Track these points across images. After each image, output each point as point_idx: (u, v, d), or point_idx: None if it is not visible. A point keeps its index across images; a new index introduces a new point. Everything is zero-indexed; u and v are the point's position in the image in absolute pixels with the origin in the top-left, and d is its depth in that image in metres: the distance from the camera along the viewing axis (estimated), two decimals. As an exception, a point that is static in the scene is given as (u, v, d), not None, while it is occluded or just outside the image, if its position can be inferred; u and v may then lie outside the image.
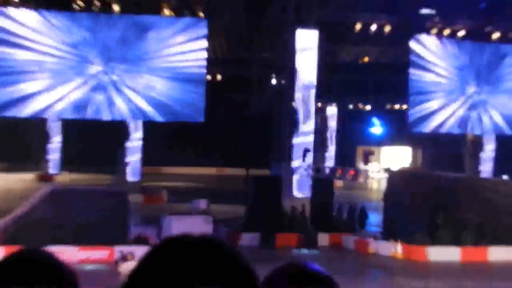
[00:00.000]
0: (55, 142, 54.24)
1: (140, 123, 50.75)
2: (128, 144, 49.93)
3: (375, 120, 73.05)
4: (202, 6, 54.81)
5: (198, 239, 1.59)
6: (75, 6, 53.84)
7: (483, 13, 55.46)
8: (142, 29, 50.29)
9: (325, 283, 2.01)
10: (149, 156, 51.35)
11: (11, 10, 50.43)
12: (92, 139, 52.81)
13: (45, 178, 49.78)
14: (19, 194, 36.45)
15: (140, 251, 26.82)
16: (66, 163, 52.92)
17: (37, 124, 52.78)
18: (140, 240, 29.16)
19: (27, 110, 47.75)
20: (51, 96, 47.99)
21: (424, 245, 30.61)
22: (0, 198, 39.82)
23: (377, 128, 73.06)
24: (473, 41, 55.78)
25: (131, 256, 21.62)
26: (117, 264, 21.21)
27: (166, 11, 55.21)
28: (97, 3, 54.47)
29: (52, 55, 49.03)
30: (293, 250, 31.14)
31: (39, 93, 47.60)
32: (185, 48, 50.28)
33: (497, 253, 30.40)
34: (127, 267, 19.87)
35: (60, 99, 48.28)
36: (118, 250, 27.72)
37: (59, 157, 53.54)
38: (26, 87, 47.39)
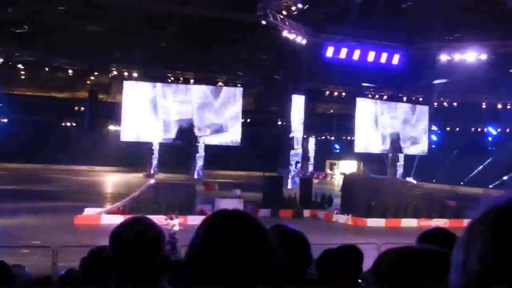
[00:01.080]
0: (155, 154, 53.46)
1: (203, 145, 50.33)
2: (196, 156, 49.61)
3: (336, 146, 72.90)
4: (240, 81, 54.45)
5: (234, 212, 1.46)
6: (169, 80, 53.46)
7: (398, 85, 55.23)
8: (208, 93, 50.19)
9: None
10: (208, 164, 50.85)
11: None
12: (175, 153, 51.98)
13: (149, 175, 49.12)
14: (134, 185, 35.73)
15: (202, 219, 26.39)
16: (162, 167, 52.24)
17: (144, 143, 52.12)
18: (201, 212, 28.63)
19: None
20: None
21: (365, 217, 29.94)
22: (123, 187, 39.51)
23: (337, 150, 72.86)
24: (391, 101, 55.43)
25: (175, 216, 21.00)
26: (168, 219, 20.78)
27: (220, 83, 54.79)
28: (181, 78, 54.16)
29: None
30: (289, 219, 30.22)
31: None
32: (229, 105, 50.11)
33: (406, 223, 29.65)
34: (173, 223, 20.20)
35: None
36: (189, 217, 27.14)
37: (157, 163, 52.81)
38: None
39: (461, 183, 54.00)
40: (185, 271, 1.40)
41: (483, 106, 60.31)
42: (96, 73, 59.32)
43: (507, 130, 61.71)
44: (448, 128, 65.70)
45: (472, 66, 46.59)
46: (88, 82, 62.86)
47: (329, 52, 46.19)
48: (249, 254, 1.35)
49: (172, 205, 28.13)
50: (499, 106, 59.35)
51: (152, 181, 33.99)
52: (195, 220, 26.59)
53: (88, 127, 64.37)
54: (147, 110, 48.73)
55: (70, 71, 55.92)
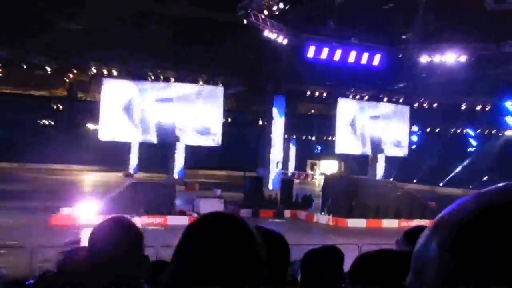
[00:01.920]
0: (135, 153, 53.11)
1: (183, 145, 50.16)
2: (176, 156, 49.32)
3: (316, 145, 73.18)
4: (221, 80, 54.27)
5: (221, 214, 1.44)
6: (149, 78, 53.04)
7: (379, 85, 55.64)
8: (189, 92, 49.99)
9: None
10: (188, 163, 50.68)
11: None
12: (155, 152, 51.71)
13: (129, 175, 48.85)
14: (113, 184, 35.43)
15: (181, 219, 26.36)
16: (142, 166, 51.93)
17: (123, 142, 51.72)
18: (181, 213, 28.56)
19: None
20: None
21: (345, 217, 30.08)
22: (102, 186, 39.19)
23: (317, 150, 73.11)
24: (371, 102, 55.78)
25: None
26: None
27: (201, 82, 54.56)
28: (161, 77, 53.82)
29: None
30: (269, 219, 30.24)
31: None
32: (211, 104, 49.92)
33: (387, 223, 29.85)
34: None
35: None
36: (169, 218, 27.06)
37: (136, 162, 52.49)
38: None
39: (441, 184, 54.56)
40: (171, 273, 1.36)
41: (463, 108, 61.01)
42: (75, 71, 58.71)
43: (486, 131, 62.51)
44: (428, 129, 66.34)
45: (451, 68, 47.09)
46: (66, 80, 62.23)
47: (310, 52, 46.29)
48: (238, 259, 1.33)
49: (151, 205, 28.02)
50: (478, 107, 60.06)
51: (131, 180, 33.78)
52: (174, 220, 26.52)
53: (66, 126, 63.80)
54: (126, 109, 48.31)
55: (48, 69, 55.23)
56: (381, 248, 2.37)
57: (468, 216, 0.76)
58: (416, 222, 28.18)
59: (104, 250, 2.18)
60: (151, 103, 48.69)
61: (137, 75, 51.70)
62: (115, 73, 54.19)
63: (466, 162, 58.16)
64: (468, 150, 62.85)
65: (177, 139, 49.04)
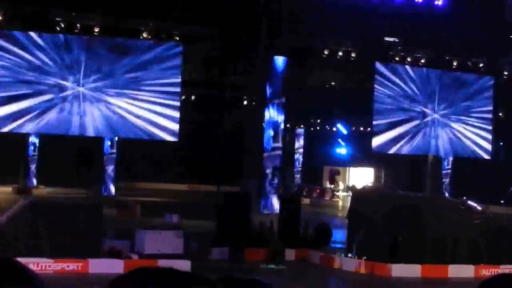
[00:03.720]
0: (34, 154, 53.41)
1: (114, 141, 50.24)
2: (104, 159, 49.52)
3: (341, 141, 73.28)
4: (178, 31, 54.38)
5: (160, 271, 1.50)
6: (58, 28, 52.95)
7: (443, 43, 55.92)
8: (121, 51, 49.86)
9: None
10: (123, 171, 50.90)
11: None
12: (67, 155, 52.03)
13: (23, 190, 48.99)
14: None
15: (113, 263, 26.59)
16: (45, 176, 52.13)
17: (15, 139, 51.89)
18: (113, 253, 28.73)
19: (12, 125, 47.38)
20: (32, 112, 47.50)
21: (388, 262, 30.38)
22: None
23: (342, 149, 73.16)
24: (433, 69, 56.01)
25: None
26: None
27: (145, 35, 54.61)
28: (79, 26, 53.78)
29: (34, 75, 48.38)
30: (261, 264, 30.58)
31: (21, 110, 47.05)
32: (161, 72, 49.95)
33: (457, 271, 30.24)
34: None
35: (39, 116, 47.72)
36: (92, 262, 27.30)
37: (36, 170, 52.75)
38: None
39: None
40: None
41: None
42: None
43: None
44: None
45: None
46: None
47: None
48: None
49: (62, 240, 28.19)
50: None
51: (27, 199, 33.89)
52: (101, 266, 26.73)
53: None
54: (22, 82, 48.29)
55: None
56: None
57: None
58: (503, 270, 28.59)
59: None
60: (62, 71, 48.66)
61: (39, 23, 51.73)
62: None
63: None
64: None
65: (104, 132, 49.05)
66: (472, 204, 40.14)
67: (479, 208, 38.78)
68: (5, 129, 48.19)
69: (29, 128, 49.06)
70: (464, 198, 46.76)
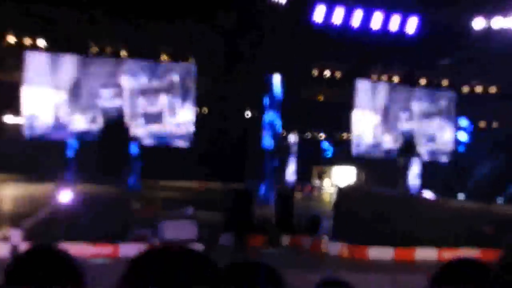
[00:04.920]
0: (72, 156, 53.56)
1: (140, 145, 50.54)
2: (132, 160, 49.74)
3: (326, 145, 73.62)
4: (192, 54, 54.59)
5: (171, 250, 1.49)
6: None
7: (412, 64, 56.17)
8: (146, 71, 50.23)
9: None
10: (148, 171, 51.09)
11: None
12: (99, 155, 52.09)
13: (63, 187, 49.22)
14: (41, 200, 35.79)
15: (139, 248, 26.82)
16: (82, 174, 52.32)
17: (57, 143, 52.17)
18: (139, 239, 28.94)
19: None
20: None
21: (366, 245, 30.62)
22: (25, 203, 39.39)
23: (328, 152, 73.46)
24: (404, 85, 56.25)
25: None
26: None
27: (164, 57, 54.90)
28: (109, 49, 54.10)
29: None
30: (261, 249, 30.81)
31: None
32: (179, 87, 50.19)
33: (423, 254, 30.47)
34: None
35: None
36: (122, 246, 27.61)
37: (74, 169, 52.93)
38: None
39: (499, 200, 55.17)
40: None
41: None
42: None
43: None
44: (482, 123, 66.89)
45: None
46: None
47: (319, 14, 46.78)
48: None
49: (96, 229, 28.51)
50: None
51: (66, 195, 34.02)
52: (129, 250, 26.88)
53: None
54: (61, 95, 48.61)
55: None
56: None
57: None
58: (462, 253, 28.92)
59: None
60: (94, 87, 48.95)
61: (75, 47, 51.92)
62: (41, 43, 54.44)
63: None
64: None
65: (130, 137, 49.32)
66: (433, 197, 40.51)
67: (439, 200, 39.05)
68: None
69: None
70: (428, 191, 47.21)
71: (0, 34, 56.27)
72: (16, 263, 2.21)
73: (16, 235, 25.81)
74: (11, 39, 56.77)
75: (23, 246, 25.28)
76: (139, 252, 1.58)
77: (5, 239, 27.19)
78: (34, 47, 54.13)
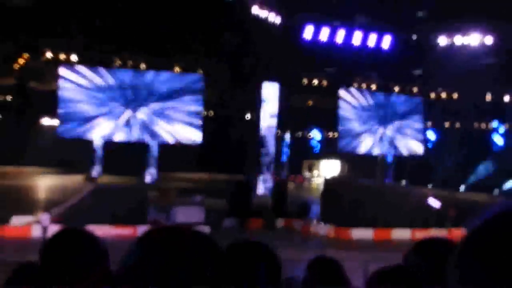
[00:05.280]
0: (99, 152, 53.53)
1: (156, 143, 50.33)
2: (149, 156, 49.59)
3: (315, 143, 73.59)
4: (201, 66, 54.41)
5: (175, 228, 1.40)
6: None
7: (388, 73, 56.08)
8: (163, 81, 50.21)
9: None
10: (163, 164, 50.91)
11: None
12: (124, 152, 51.91)
13: (91, 179, 48.84)
14: (72, 189, 35.47)
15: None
16: (107, 168, 52.12)
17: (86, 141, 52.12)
18: (155, 222, 28.68)
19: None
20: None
21: (349, 227, 30.40)
22: (59, 192, 39.20)
23: (316, 148, 73.57)
24: (380, 92, 56.35)
25: None
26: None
27: (177, 69, 54.65)
28: (130, 63, 53.83)
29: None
30: (259, 231, 30.51)
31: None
32: (189, 95, 50.16)
33: (398, 234, 30.23)
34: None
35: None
36: (140, 228, 27.18)
37: (101, 163, 52.80)
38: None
39: (462, 188, 54.94)
40: None
41: (488, 99, 61.32)
42: (25, 56, 58.51)
43: (516, 127, 62.95)
44: (446, 125, 66.68)
45: (475, 51, 47.39)
46: (15, 67, 61.94)
47: (308, 33, 46.51)
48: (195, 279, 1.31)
49: (119, 214, 28.16)
50: (507, 99, 60.44)
51: (94, 185, 33.85)
52: (146, 232, 26.62)
53: (17, 121, 63.50)
54: (89, 101, 48.36)
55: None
56: (392, 264, 2.45)
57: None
58: (432, 232, 28.50)
59: (58, 266, 2.16)
60: (118, 94, 48.72)
61: (100, 61, 51.65)
62: (73, 58, 54.12)
63: (491, 163, 58.54)
64: (494, 149, 63.24)
65: (149, 136, 49.15)
66: (408, 186, 40.22)
67: (410, 188, 38.86)
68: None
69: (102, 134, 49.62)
70: (403, 182, 46.86)
71: (39, 51, 56.07)
72: (49, 244, 2.24)
73: (46, 219, 25.47)
74: (48, 54, 56.50)
75: (54, 228, 24.81)
76: (146, 231, 1.40)
77: (38, 222, 26.76)
78: (68, 61, 53.87)
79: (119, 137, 49.51)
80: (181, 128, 50.51)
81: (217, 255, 1.35)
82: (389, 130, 54.84)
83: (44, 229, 25.11)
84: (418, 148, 56.49)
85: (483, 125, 65.90)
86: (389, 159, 54.87)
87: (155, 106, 49.98)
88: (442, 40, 48.37)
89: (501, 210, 0.92)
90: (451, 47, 48.67)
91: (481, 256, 0.89)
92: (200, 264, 1.30)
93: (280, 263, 2.43)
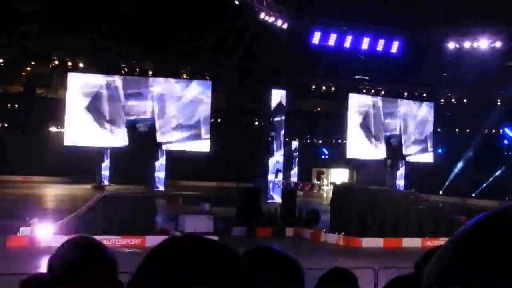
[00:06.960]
0: (107, 161, 53.59)
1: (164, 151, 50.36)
2: (156, 164, 49.58)
3: (324, 150, 73.59)
4: (208, 72, 54.57)
5: (194, 238, 1.32)
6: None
7: (397, 78, 56.04)
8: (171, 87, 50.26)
9: None
10: (171, 173, 50.87)
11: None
12: (130, 160, 51.91)
13: (99, 187, 48.94)
14: (80, 198, 35.56)
15: (163, 239, 26.41)
16: (114, 176, 52.21)
17: (94, 149, 52.17)
18: (163, 231, 28.67)
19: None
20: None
21: (359, 236, 30.33)
22: (67, 201, 39.35)
23: (325, 156, 73.63)
24: (390, 97, 56.22)
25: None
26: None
27: (185, 75, 54.84)
28: (137, 70, 54.05)
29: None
30: (268, 239, 30.38)
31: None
32: (197, 100, 50.12)
33: (408, 242, 30.11)
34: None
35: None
36: (148, 238, 27.20)
37: (108, 172, 52.84)
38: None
39: (473, 194, 54.74)
40: None
41: (498, 103, 61.14)
42: (33, 63, 58.77)
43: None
44: (457, 130, 66.52)
45: (485, 56, 47.25)
46: (23, 73, 62.22)
47: (316, 38, 46.44)
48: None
49: (127, 223, 28.12)
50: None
51: (102, 194, 33.84)
52: (154, 241, 26.47)
53: (24, 129, 63.76)
54: (97, 109, 48.42)
55: (0, 60, 55.26)
56: (403, 272, 2.44)
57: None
58: (442, 241, 28.34)
59: (66, 277, 2.17)
60: (126, 102, 48.79)
61: (109, 68, 51.79)
62: (81, 65, 54.29)
63: (503, 169, 58.35)
64: (505, 154, 63.04)
65: (157, 144, 49.16)
66: (418, 194, 39.99)
67: (421, 196, 38.68)
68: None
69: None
70: (412, 190, 46.60)
71: (48, 58, 56.26)
72: (57, 253, 2.24)
73: (35, 223, 26.12)
74: (56, 61, 56.72)
75: (61, 239, 24.89)
76: (160, 242, 1.36)
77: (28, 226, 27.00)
78: (75, 68, 54.02)
79: (127, 145, 49.54)
80: (189, 135, 50.47)
81: (241, 269, 1.30)
82: (400, 137, 54.62)
83: (34, 234, 25.70)
84: (428, 154, 56.27)
85: (494, 130, 65.70)
86: (399, 165, 54.68)
87: (162, 113, 49.97)
88: (451, 45, 48.23)
89: (501, 210, 0.92)
90: (460, 51, 48.49)
91: (478, 255, 0.88)
92: (224, 278, 1.25)
93: (300, 267, 2.33)
